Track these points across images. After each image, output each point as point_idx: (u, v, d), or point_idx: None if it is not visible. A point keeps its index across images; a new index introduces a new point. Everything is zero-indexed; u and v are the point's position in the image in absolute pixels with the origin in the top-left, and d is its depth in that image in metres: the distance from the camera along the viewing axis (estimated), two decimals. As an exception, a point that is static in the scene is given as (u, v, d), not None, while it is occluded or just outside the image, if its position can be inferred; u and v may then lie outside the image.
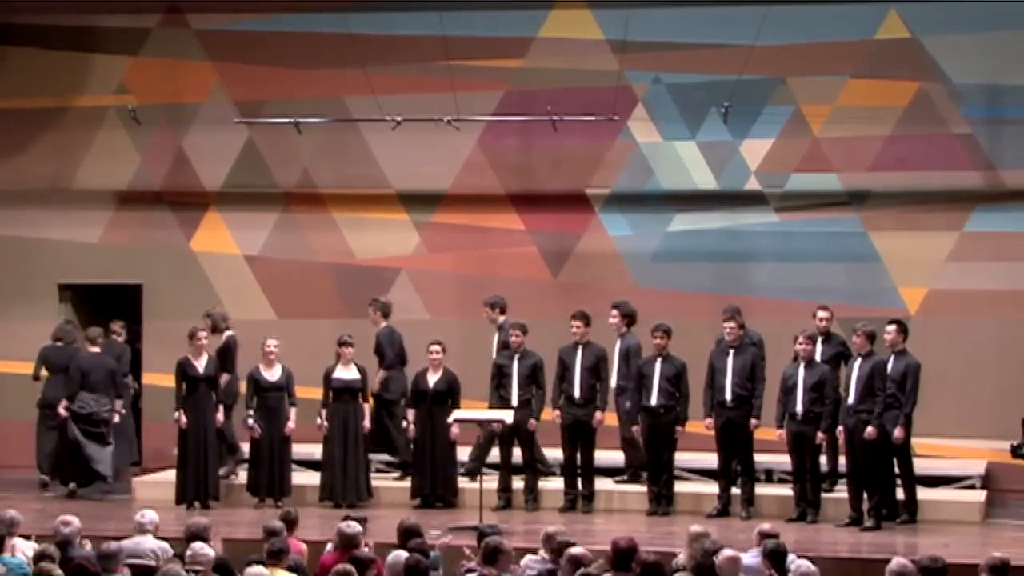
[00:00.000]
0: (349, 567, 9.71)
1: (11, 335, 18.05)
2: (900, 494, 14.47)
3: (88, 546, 10.92)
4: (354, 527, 10.85)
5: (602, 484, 15.48)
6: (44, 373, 16.80)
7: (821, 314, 15.14)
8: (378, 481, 15.85)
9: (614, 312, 15.54)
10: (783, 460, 15.01)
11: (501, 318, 15.92)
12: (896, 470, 14.43)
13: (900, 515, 14.34)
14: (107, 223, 18.12)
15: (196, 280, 17.81)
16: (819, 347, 14.90)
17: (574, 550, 10.03)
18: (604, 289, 16.94)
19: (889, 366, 14.35)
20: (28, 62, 18.15)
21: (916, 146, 16.60)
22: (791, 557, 10.22)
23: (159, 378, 16.86)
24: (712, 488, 15.12)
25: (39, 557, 9.96)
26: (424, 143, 17.01)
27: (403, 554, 10.31)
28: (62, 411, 15.94)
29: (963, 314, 16.43)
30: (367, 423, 15.49)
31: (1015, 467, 15.52)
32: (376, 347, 15.99)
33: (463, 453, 15.61)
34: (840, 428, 14.48)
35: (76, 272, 18.13)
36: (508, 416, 14.89)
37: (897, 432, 14.19)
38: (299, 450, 15.83)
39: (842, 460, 14.77)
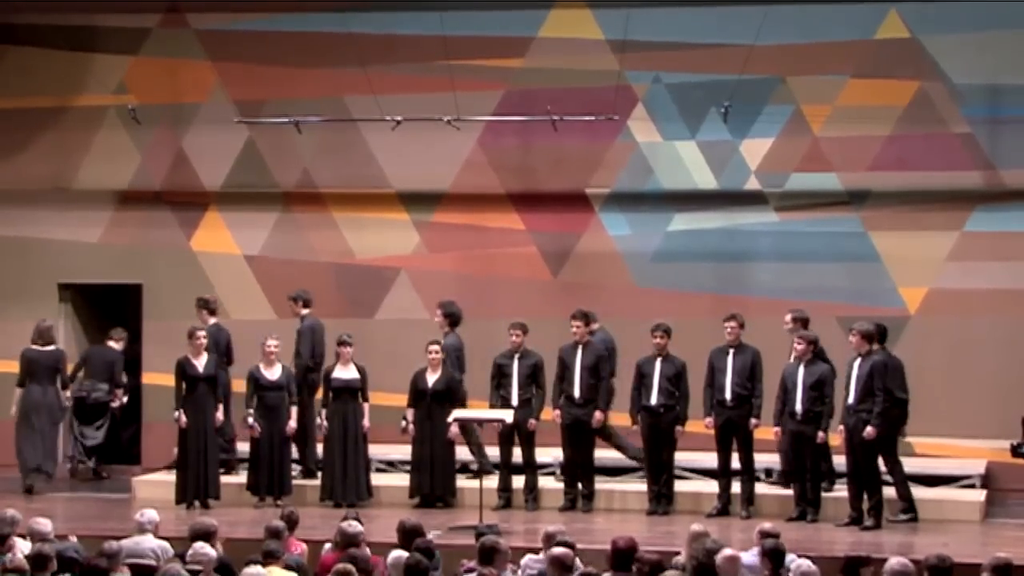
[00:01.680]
0: (349, 567, 9.72)
1: (11, 335, 18.00)
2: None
3: (73, 538, 10.94)
4: (355, 526, 10.87)
5: (602, 484, 15.48)
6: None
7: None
8: (378, 481, 15.86)
9: (438, 312, 15.82)
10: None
11: (304, 311, 16.10)
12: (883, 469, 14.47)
13: (896, 513, 14.33)
14: (107, 223, 18.11)
15: (196, 280, 17.77)
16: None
17: (556, 550, 9.98)
18: (604, 289, 16.96)
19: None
20: (28, 62, 18.14)
21: (916, 146, 16.60)
22: (791, 557, 10.23)
23: (159, 378, 16.85)
24: (712, 488, 15.13)
25: (35, 557, 9.96)
26: (424, 143, 17.00)
27: (404, 554, 10.32)
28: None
29: (963, 314, 16.42)
30: (367, 423, 15.50)
31: (1015, 467, 15.53)
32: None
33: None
34: (840, 427, 14.51)
35: (76, 272, 18.12)
36: (508, 416, 14.90)
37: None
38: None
39: (841, 460, 14.74)
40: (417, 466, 15.43)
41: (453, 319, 15.87)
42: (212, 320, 16.23)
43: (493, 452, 15.49)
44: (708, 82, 16.85)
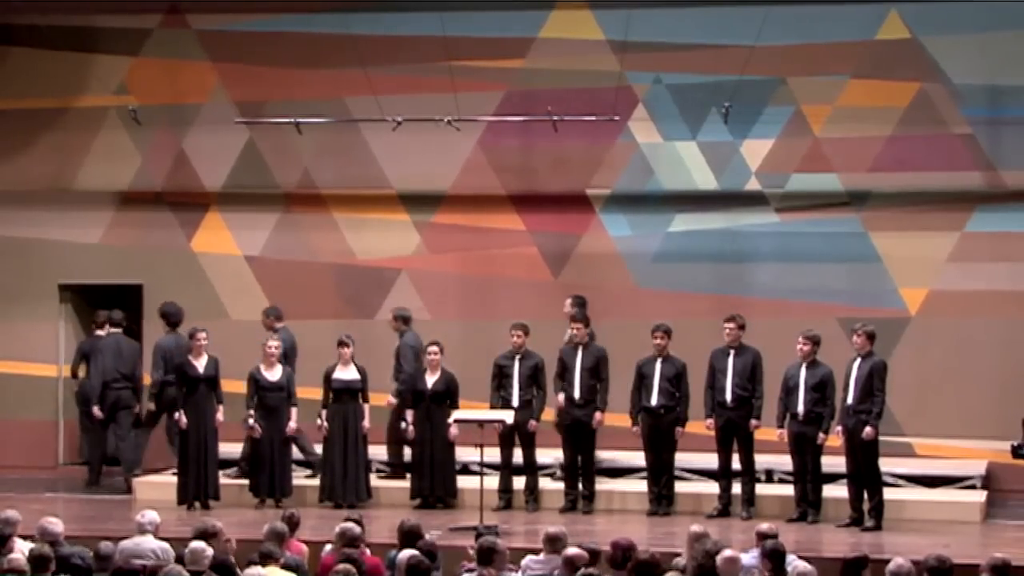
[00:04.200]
0: (349, 567, 9.73)
1: (12, 335, 18.05)
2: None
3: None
4: (355, 527, 10.87)
5: (603, 485, 15.48)
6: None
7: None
8: (378, 482, 15.86)
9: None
10: (783, 460, 15.02)
11: (111, 330, 16.58)
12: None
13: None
14: (108, 223, 18.11)
15: (196, 280, 17.79)
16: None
17: (570, 550, 10.04)
18: (605, 290, 16.96)
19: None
20: (29, 62, 18.15)
21: (916, 146, 16.59)
22: (789, 557, 10.23)
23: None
24: (712, 488, 15.13)
25: (35, 558, 9.95)
26: (424, 143, 17.01)
27: (406, 553, 10.33)
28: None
29: (963, 314, 16.42)
30: (367, 423, 15.50)
31: (1015, 467, 15.52)
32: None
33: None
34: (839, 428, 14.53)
35: (76, 272, 18.12)
36: (508, 416, 14.90)
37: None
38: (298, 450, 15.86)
39: (835, 460, 14.74)
40: (417, 467, 15.43)
41: (170, 319, 16.37)
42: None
43: (492, 453, 15.46)
44: (708, 83, 16.85)
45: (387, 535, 11.59)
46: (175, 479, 15.58)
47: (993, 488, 15.68)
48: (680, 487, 15.29)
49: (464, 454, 15.57)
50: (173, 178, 18.02)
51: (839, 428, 14.48)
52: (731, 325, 14.98)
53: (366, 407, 15.51)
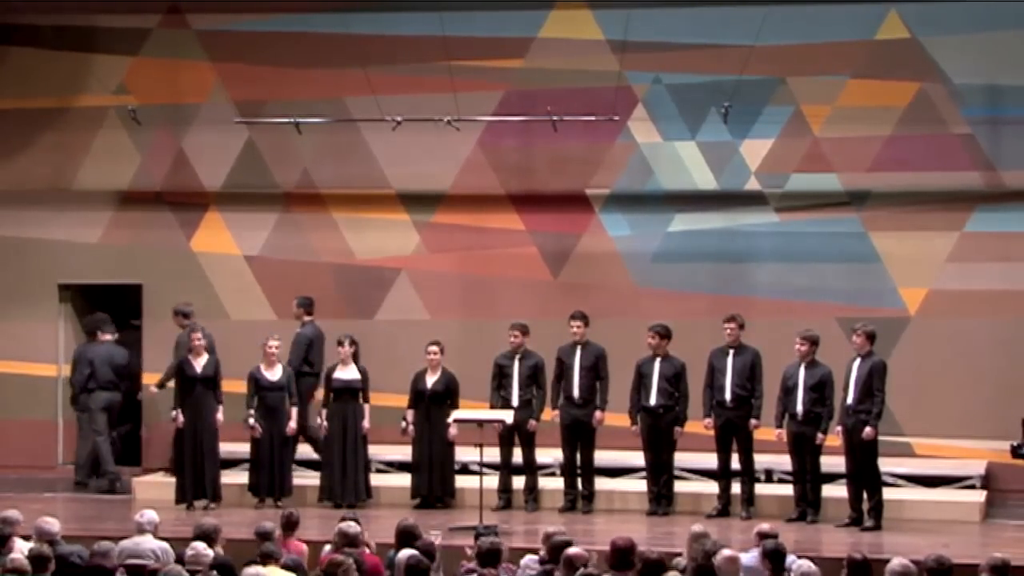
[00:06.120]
0: (342, 558, 9.76)
1: (11, 335, 18.04)
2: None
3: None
4: (354, 527, 10.88)
5: (602, 484, 15.49)
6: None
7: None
8: (378, 481, 15.86)
9: None
10: (782, 460, 15.03)
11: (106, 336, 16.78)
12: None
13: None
14: (107, 223, 18.10)
15: (196, 280, 17.78)
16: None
17: (571, 550, 10.04)
18: (604, 289, 16.96)
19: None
20: (28, 62, 18.14)
21: (916, 146, 16.59)
22: (791, 557, 10.23)
23: (159, 378, 16.81)
24: (712, 488, 15.13)
25: (35, 558, 9.95)
26: (424, 143, 17.00)
27: (405, 553, 10.33)
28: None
29: (963, 314, 16.41)
30: (367, 423, 15.50)
31: (1015, 467, 15.52)
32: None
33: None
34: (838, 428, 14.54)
35: (76, 272, 18.11)
36: (508, 416, 14.90)
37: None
38: (299, 450, 15.85)
39: (835, 460, 14.74)
40: (416, 467, 15.44)
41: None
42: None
43: (492, 453, 15.47)
44: (708, 82, 16.85)
45: (387, 535, 11.57)
46: (175, 479, 15.58)
47: (993, 488, 15.69)
48: (679, 487, 15.30)
49: (464, 454, 15.57)
50: (172, 178, 18.01)
51: (839, 428, 14.50)
52: (731, 325, 14.99)
53: (366, 407, 15.52)
